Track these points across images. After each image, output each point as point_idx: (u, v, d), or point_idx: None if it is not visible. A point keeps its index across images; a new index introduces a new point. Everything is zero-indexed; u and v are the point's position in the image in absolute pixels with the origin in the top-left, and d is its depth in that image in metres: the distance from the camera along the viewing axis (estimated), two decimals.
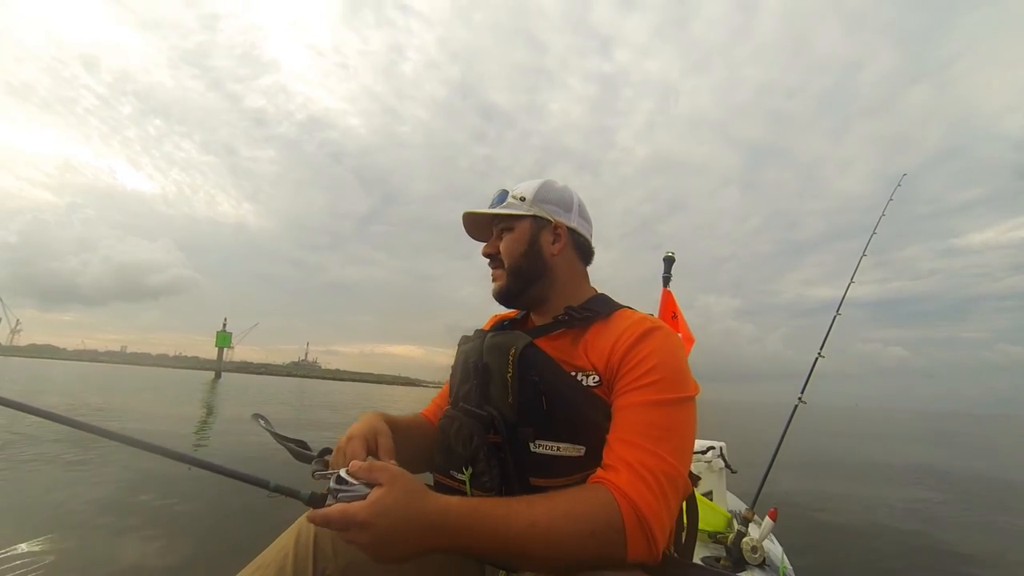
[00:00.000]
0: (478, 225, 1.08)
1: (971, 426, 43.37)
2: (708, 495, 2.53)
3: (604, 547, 0.69)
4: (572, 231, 1.03)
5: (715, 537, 2.22)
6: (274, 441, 1.19)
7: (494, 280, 1.05)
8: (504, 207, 1.02)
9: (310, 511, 0.65)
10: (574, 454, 0.83)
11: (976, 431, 33.14)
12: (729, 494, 2.75)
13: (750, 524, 2.13)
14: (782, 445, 2.45)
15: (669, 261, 2.94)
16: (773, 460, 2.41)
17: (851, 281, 2.95)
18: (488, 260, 1.06)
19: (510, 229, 1.02)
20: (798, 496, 6.50)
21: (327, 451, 1.12)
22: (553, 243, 1.01)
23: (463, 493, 0.85)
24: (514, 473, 0.83)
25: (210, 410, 14.18)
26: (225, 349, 56.47)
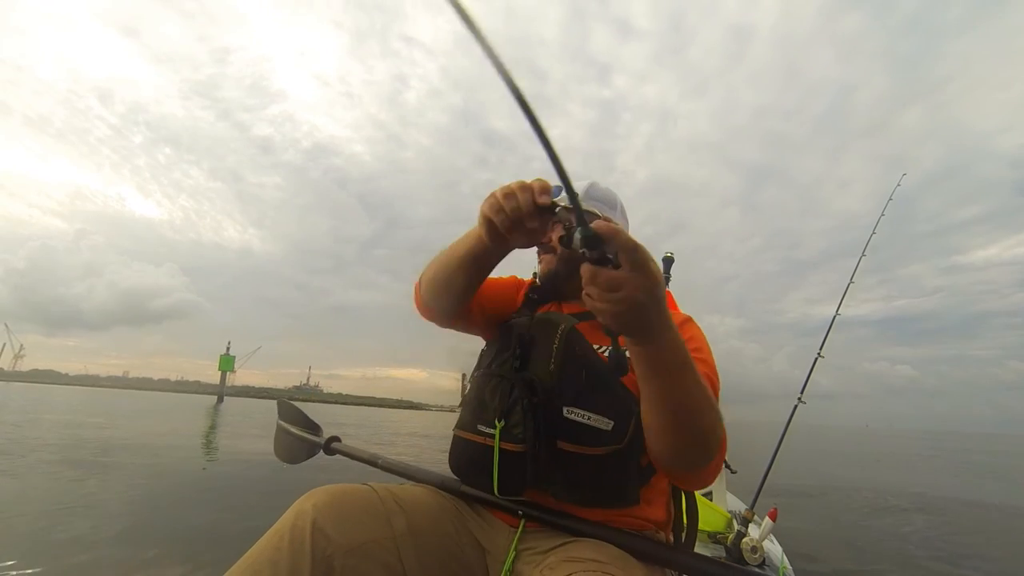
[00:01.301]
0: None
1: (983, 446, 42.50)
2: (708, 495, 2.47)
3: (713, 436, 0.75)
4: None
5: (715, 537, 2.16)
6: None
7: (542, 264, 1.11)
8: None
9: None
10: (602, 427, 0.87)
11: (988, 451, 32.42)
12: (729, 494, 2.69)
13: (750, 524, 2.10)
14: (782, 445, 2.41)
15: (668, 262, 2.93)
16: (773, 460, 2.37)
17: (851, 281, 2.94)
18: (538, 248, 1.13)
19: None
20: (800, 507, 6.37)
21: (335, 439, 1.25)
22: None
23: (488, 449, 0.87)
24: (543, 432, 0.86)
25: (214, 429, 14.16)
26: (227, 373, 56.05)
